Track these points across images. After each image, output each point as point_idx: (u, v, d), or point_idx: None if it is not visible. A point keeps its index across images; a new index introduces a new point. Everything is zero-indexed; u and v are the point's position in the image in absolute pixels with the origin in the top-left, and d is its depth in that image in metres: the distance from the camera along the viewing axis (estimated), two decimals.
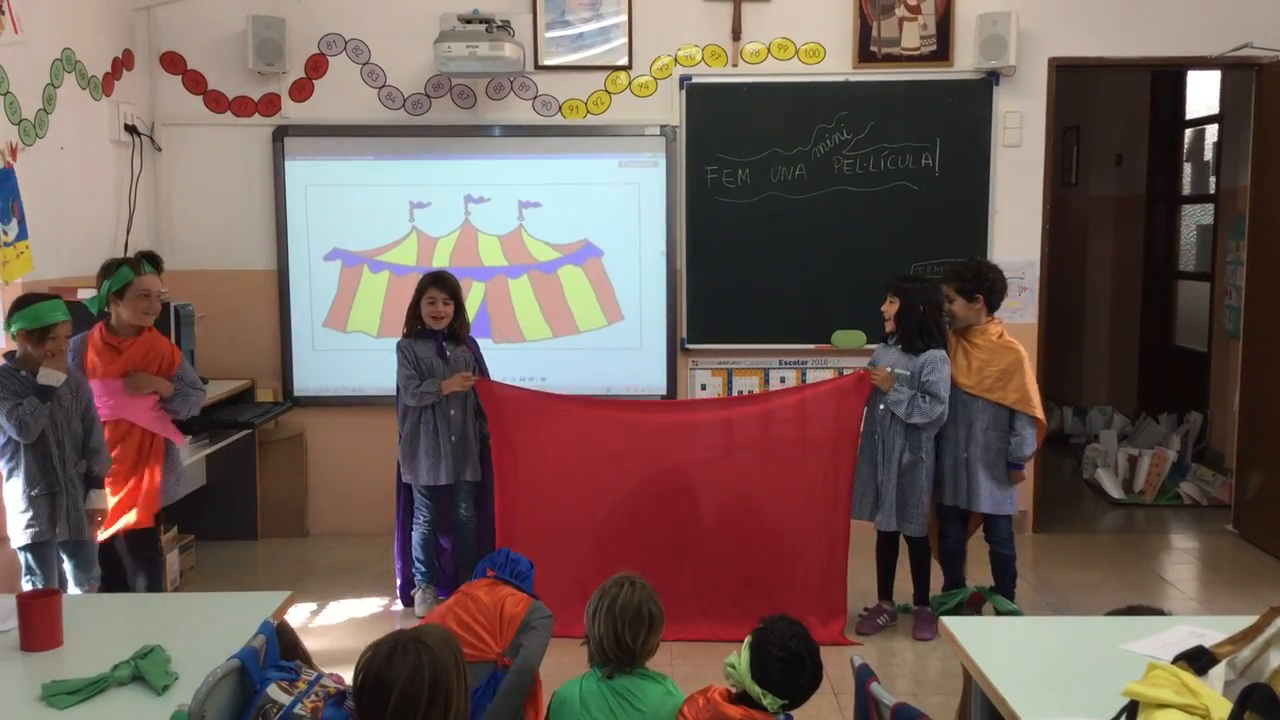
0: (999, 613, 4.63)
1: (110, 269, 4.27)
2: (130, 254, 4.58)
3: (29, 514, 3.86)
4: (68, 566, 4.03)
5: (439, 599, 4.93)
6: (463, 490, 4.96)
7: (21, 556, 3.92)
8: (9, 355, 3.87)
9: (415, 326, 4.88)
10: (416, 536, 4.94)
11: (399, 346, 4.86)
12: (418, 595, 4.96)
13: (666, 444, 4.72)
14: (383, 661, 2.13)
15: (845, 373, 6.02)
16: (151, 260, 4.39)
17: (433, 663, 2.12)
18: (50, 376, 3.79)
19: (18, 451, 3.83)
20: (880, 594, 4.86)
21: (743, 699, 2.68)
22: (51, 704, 2.26)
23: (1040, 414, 4.56)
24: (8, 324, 3.83)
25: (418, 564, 4.97)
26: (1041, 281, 5.96)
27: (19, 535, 3.88)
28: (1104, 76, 8.06)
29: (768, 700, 2.59)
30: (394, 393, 4.97)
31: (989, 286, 4.56)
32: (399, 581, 5.06)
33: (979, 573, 4.84)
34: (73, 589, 4.03)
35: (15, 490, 3.86)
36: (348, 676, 2.71)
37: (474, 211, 6.04)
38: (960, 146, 5.94)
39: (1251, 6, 5.84)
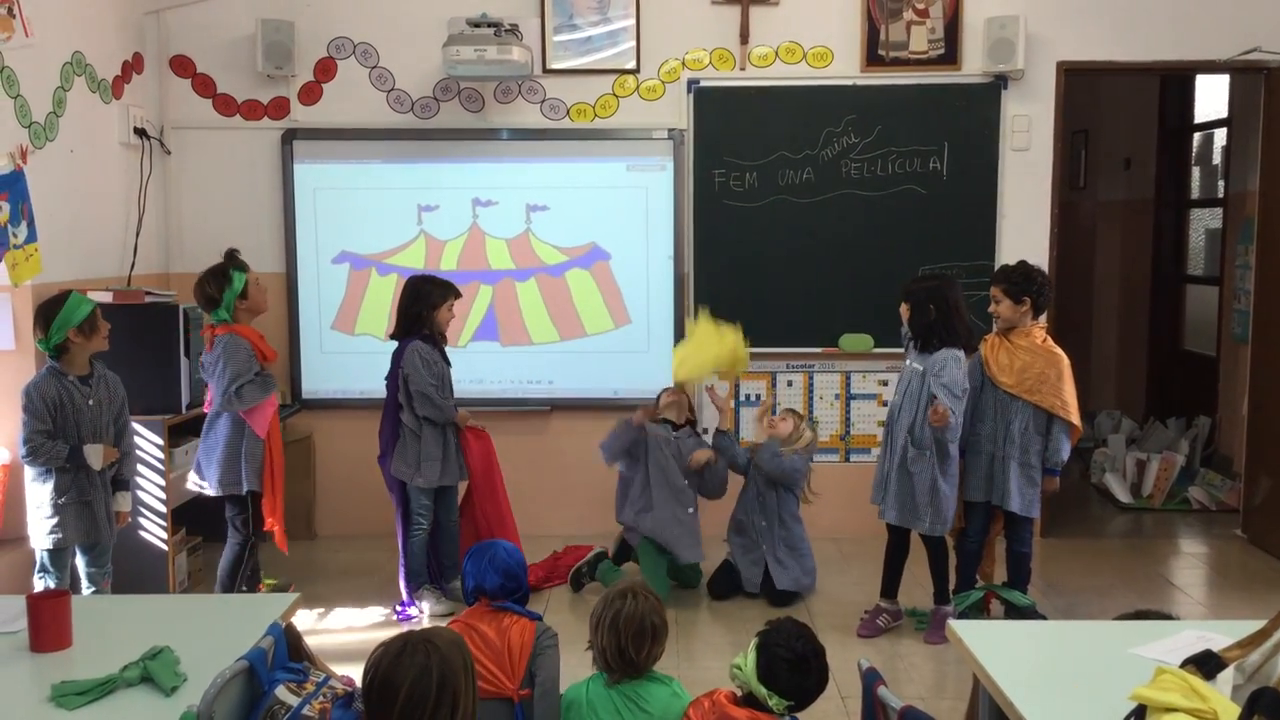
0: (1013, 607, 4.62)
1: (223, 276, 4.53)
2: (216, 257, 4.79)
3: (55, 520, 3.90)
4: (81, 562, 4.07)
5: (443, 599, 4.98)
6: (454, 491, 5.12)
7: (39, 554, 3.95)
8: (55, 355, 3.91)
9: (425, 331, 4.91)
10: (419, 542, 4.98)
11: (420, 352, 4.87)
12: (428, 599, 4.98)
13: None
14: (391, 661, 2.13)
15: (852, 376, 6.09)
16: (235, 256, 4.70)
17: (441, 663, 2.13)
18: (95, 458, 3.91)
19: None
20: (881, 593, 4.85)
21: (748, 701, 2.68)
22: (60, 705, 2.27)
23: (1076, 421, 4.58)
24: (48, 335, 3.87)
25: (421, 569, 5.00)
26: (1049, 285, 5.95)
27: (42, 538, 3.91)
28: (1112, 80, 8.05)
29: (774, 701, 2.59)
30: None
31: (1037, 289, 4.60)
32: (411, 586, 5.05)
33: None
34: (86, 587, 4.06)
35: (43, 494, 3.89)
36: (355, 678, 2.72)
37: (481, 215, 6.05)
38: (968, 150, 5.94)
39: (1260, 10, 5.84)
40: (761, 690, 2.60)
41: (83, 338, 3.89)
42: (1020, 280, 4.60)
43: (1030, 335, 4.62)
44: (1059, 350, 4.62)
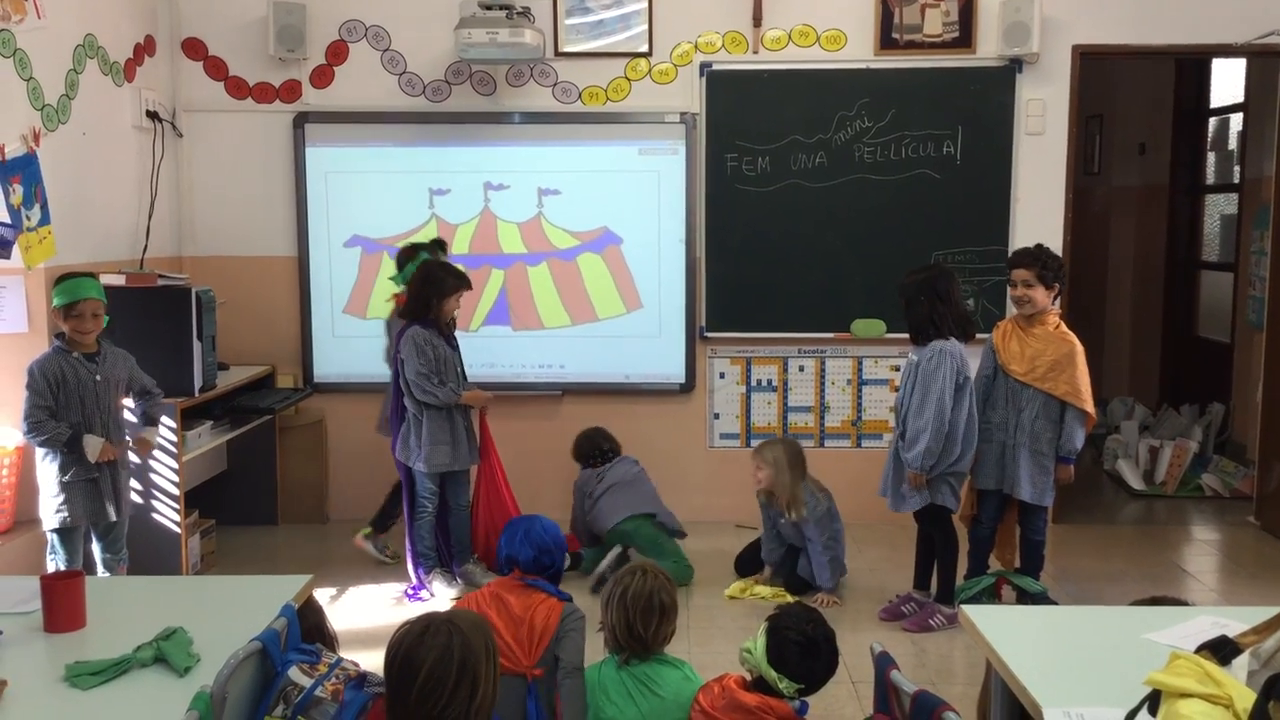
0: (1025, 592, 4.62)
1: (415, 253, 5.17)
2: (421, 241, 5.42)
3: (60, 498, 3.94)
4: (97, 548, 4.08)
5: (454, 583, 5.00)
6: (465, 475, 5.12)
7: (49, 536, 3.98)
8: (60, 335, 3.96)
9: (430, 315, 4.91)
10: (425, 525, 5.00)
11: (415, 338, 4.88)
12: (439, 582, 4.99)
13: None
14: (413, 641, 2.15)
15: (864, 361, 6.07)
16: (442, 246, 5.31)
17: (462, 645, 2.14)
18: (93, 450, 3.93)
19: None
20: (914, 584, 4.85)
21: (758, 685, 2.68)
22: (75, 685, 2.28)
23: (1089, 408, 4.52)
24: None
25: (429, 552, 5.02)
26: (1063, 271, 5.92)
27: (49, 518, 3.95)
28: (1128, 64, 8.00)
29: (783, 684, 2.59)
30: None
31: (1064, 277, 4.59)
32: (421, 570, 5.07)
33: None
34: (101, 572, 4.08)
35: (50, 473, 3.93)
36: (365, 661, 2.73)
37: (493, 199, 6.05)
38: (982, 134, 5.90)
39: None
40: (771, 674, 2.61)
41: (59, 321, 3.93)
42: (1056, 266, 4.53)
43: (1045, 322, 4.56)
44: (1072, 336, 4.55)
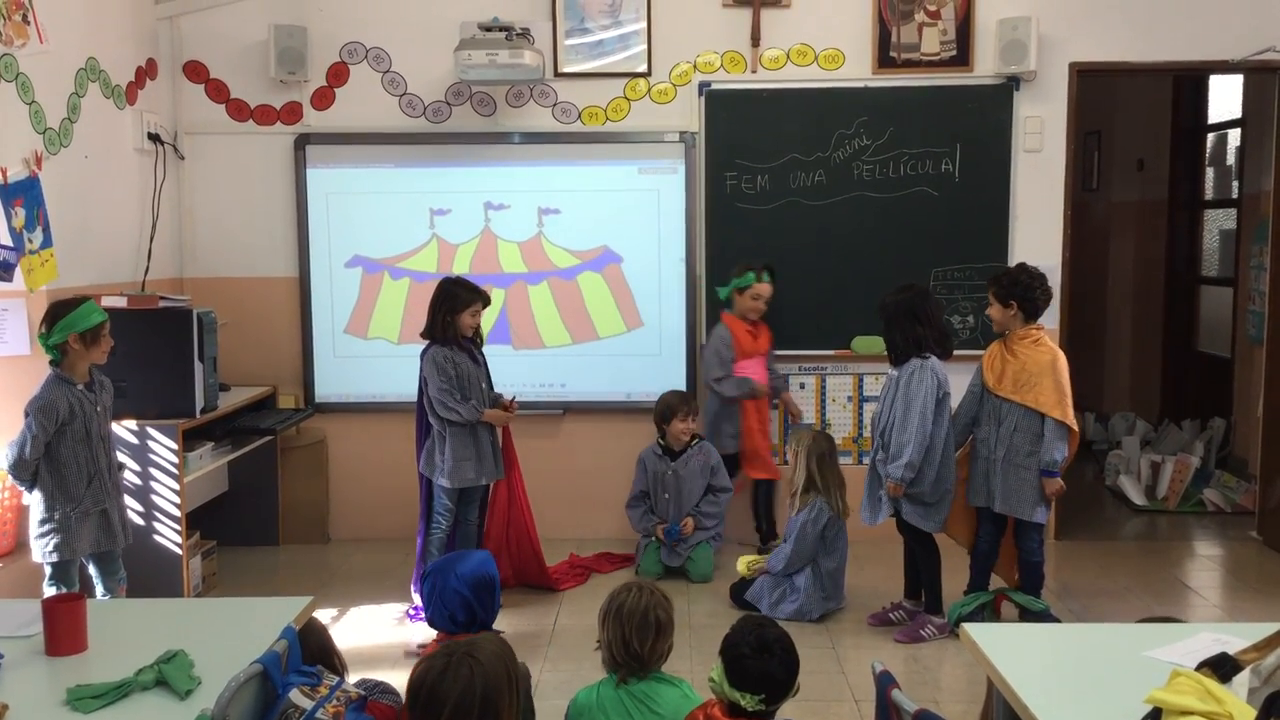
0: (1026, 610, 4.61)
1: (743, 271, 5.58)
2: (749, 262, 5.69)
3: (57, 533, 3.85)
4: (94, 572, 4.05)
5: None
6: (479, 491, 5.13)
7: (47, 569, 3.93)
8: (55, 359, 3.85)
9: (449, 333, 4.91)
10: (437, 541, 4.99)
11: (436, 357, 4.88)
12: None
13: None
14: (436, 677, 2.17)
15: (865, 378, 6.08)
16: (770, 271, 5.61)
17: (484, 677, 2.17)
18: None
19: (44, 471, 3.84)
20: (905, 594, 4.91)
21: (736, 710, 2.65)
22: (76, 708, 2.28)
23: (1070, 421, 4.50)
24: (50, 334, 3.81)
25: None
26: (1063, 287, 5.93)
27: (48, 552, 3.86)
28: (1125, 81, 8.02)
29: (745, 701, 2.54)
30: (415, 399, 5.00)
31: (1023, 294, 4.53)
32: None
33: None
34: (101, 594, 4.06)
35: (50, 506, 3.85)
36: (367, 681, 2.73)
37: (494, 218, 6.06)
38: (980, 152, 5.92)
39: (1274, 10, 5.81)
40: (734, 694, 2.56)
41: (82, 345, 3.82)
42: (1008, 284, 4.56)
43: (1026, 337, 4.58)
44: (1050, 345, 4.58)
